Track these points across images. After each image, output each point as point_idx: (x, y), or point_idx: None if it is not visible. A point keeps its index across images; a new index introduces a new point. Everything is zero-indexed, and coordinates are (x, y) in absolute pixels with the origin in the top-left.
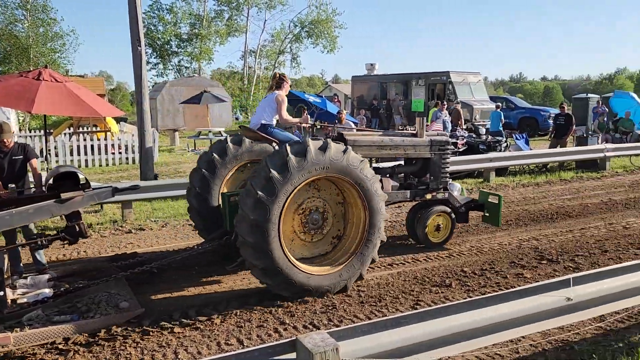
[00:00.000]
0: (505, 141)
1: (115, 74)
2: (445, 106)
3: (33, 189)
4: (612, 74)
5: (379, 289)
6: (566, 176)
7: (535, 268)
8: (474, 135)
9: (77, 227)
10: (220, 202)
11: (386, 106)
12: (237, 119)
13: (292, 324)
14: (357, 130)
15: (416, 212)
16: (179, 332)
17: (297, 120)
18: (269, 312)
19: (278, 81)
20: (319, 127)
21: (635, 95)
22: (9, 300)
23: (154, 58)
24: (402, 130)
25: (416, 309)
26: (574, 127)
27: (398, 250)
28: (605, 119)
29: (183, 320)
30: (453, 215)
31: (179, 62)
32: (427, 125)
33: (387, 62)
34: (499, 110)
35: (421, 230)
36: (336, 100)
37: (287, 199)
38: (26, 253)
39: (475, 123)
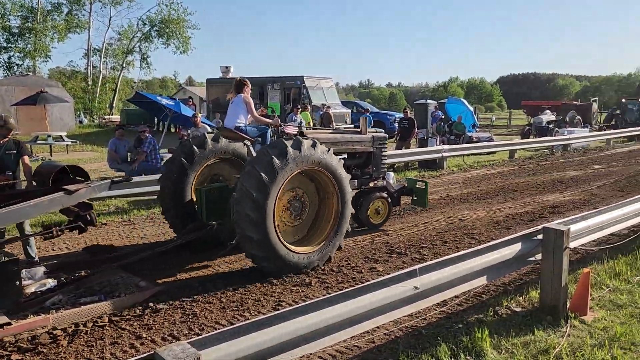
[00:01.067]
0: None
1: None
2: (300, 110)
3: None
4: (446, 82)
5: (240, 294)
6: (410, 175)
7: (386, 261)
8: None
9: (88, 216)
10: (195, 197)
11: None
12: (80, 122)
13: (149, 337)
14: (310, 129)
15: (358, 198)
16: None
17: (268, 120)
18: (123, 328)
19: (238, 85)
20: (282, 125)
21: (465, 101)
22: None
23: None
24: None
25: (278, 309)
26: (416, 130)
27: None
28: (442, 122)
29: (22, 345)
30: (389, 200)
31: (9, 58)
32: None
33: (242, 66)
34: (368, 114)
35: (364, 214)
36: (191, 103)
37: (277, 194)
38: None
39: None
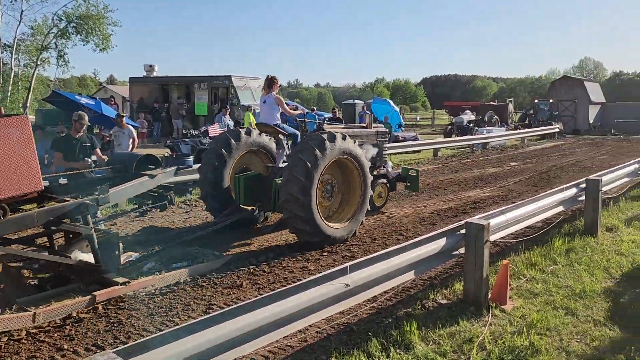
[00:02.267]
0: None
1: None
2: (229, 110)
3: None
4: (373, 82)
5: (169, 298)
6: None
7: (317, 260)
8: None
9: (169, 196)
10: (232, 183)
11: (167, 110)
12: None
13: (71, 349)
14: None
15: None
16: None
17: (297, 112)
18: (42, 340)
19: (269, 82)
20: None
21: (391, 102)
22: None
23: None
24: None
25: (209, 313)
26: None
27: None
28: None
29: None
30: (388, 185)
31: None
32: (209, 127)
33: (167, 64)
34: (313, 112)
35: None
36: (113, 102)
37: (318, 179)
38: None
39: None
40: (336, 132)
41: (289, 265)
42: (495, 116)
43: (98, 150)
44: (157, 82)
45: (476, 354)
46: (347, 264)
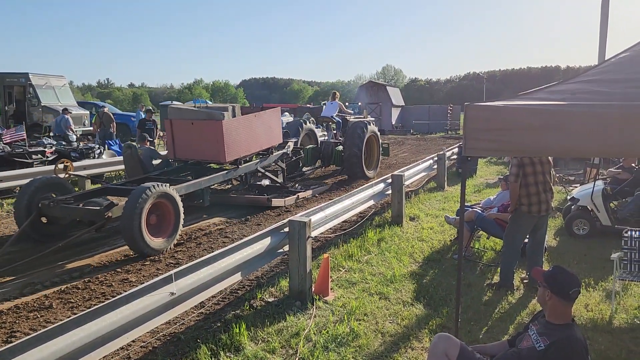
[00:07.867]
0: (99, 148)
1: None
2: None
3: None
4: (191, 84)
5: None
6: None
7: (139, 270)
8: (63, 143)
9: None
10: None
11: None
12: None
13: None
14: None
15: None
16: None
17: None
18: None
19: (333, 95)
20: None
21: (210, 103)
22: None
23: None
24: None
25: (11, 342)
26: (158, 129)
27: None
28: None
29: None
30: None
31: None
32: (7, 130)
33: None
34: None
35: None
36: None
37: (364, 147)
38: None
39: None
40: (367, 122)
41: (107, 279)
42: (312, 117)
43: None
44: None
45: (303, 347)
46: (172, 272)
